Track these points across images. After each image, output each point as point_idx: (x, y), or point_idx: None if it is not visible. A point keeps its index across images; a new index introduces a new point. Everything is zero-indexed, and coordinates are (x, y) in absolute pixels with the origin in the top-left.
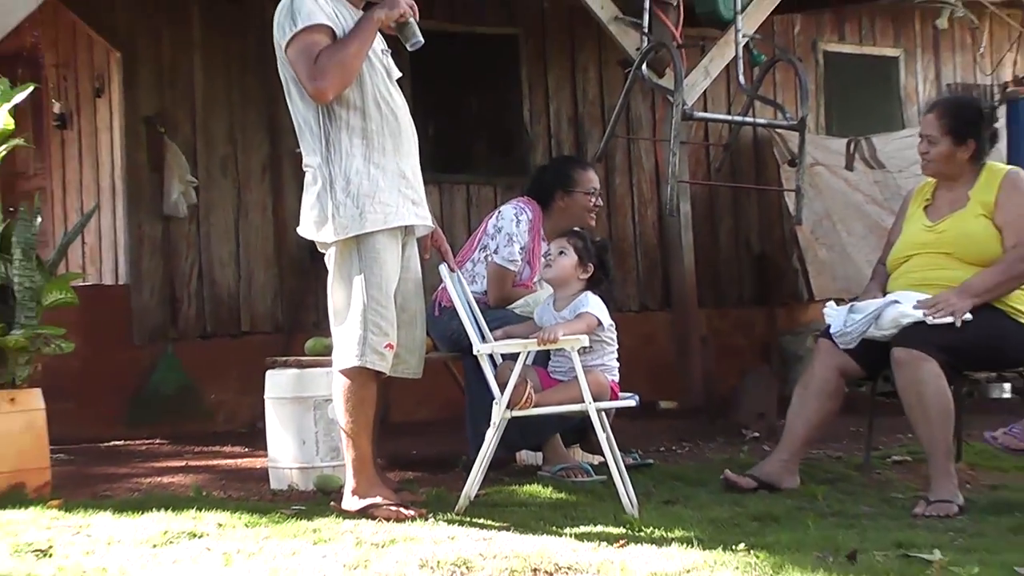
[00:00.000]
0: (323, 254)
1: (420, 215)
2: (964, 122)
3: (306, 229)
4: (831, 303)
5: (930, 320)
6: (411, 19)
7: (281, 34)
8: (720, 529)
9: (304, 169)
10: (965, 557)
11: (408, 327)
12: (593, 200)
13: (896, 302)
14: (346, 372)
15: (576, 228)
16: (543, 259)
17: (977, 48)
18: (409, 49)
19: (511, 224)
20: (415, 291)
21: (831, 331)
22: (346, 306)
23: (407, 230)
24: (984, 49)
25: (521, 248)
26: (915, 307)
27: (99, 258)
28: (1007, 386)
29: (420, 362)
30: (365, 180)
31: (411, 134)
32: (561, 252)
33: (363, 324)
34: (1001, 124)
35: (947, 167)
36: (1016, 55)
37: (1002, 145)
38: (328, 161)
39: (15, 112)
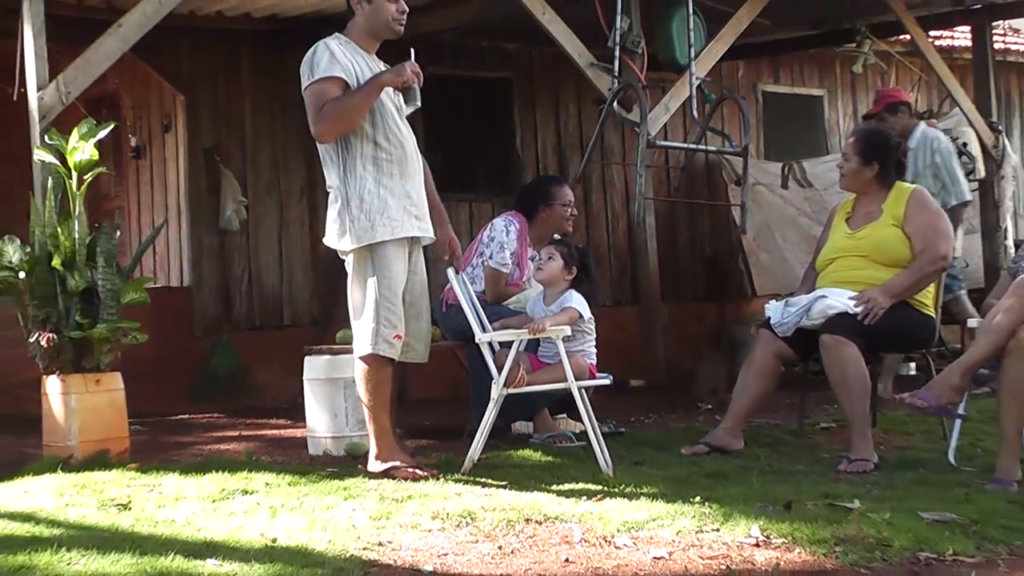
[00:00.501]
0: (344, 260)
1: (422, 228)
2: (871, 147)
3: (330, 239)
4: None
5: (856, 310)
6: (414, 84)
7: (303, 80)
8: (680, 485)
9: (328, 190)
10: (879, 505)
11: (416, 320)
12: (569, 210)
13: (823, 297)
14: (364, 358)
15: (557, 235)
16: (535, 263)
17: (886, 89)
18: (408, 109)
19: (502, 234)
20: (421, 290)
21: (770, 322)
22: (362, 303)
23: (413, 240)
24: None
25: (511, 254)
26: (851, 300)
27: (167, 265)
28: (912, 365)
29: (426, 349)
30: (376, 199)
31: (416, 161)
32: (550, 257)
33: (375, 318)
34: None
35: (855, 181)
36: (917, 94)
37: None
38: (345, 183)
39: (99, 145)
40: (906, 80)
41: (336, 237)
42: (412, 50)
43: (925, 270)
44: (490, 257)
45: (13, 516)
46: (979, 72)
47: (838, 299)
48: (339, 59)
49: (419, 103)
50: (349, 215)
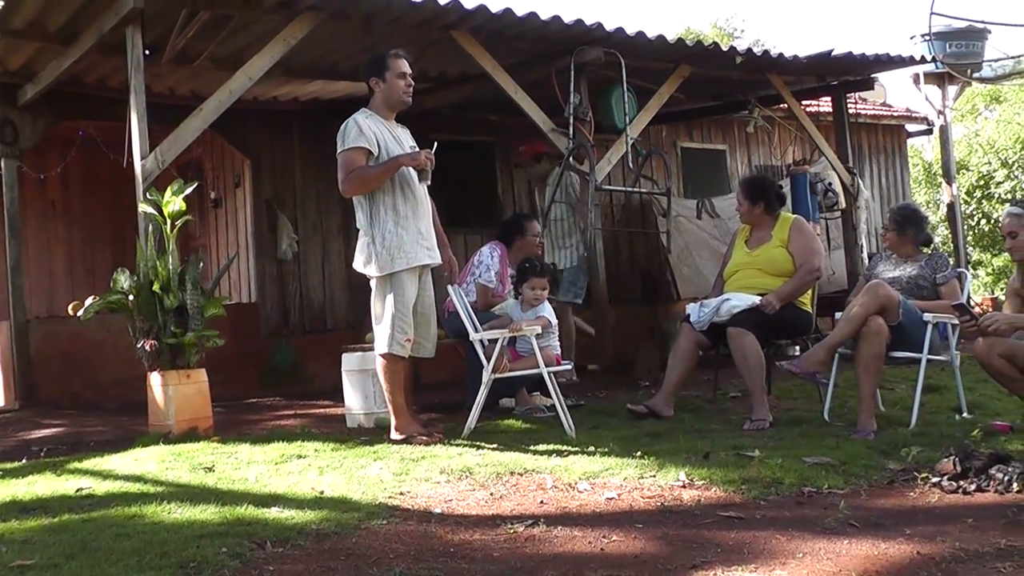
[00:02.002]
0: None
1: (431, 256)
2: (755, 191)
3: (357, 265)
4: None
5: (755, 306)
6: (426, 167)
7: (338, 146)
8: (626, 443)
9: (357, 227)
10: (774, 453)
11: (426, 326)
12: (537, 240)
13: (728, 299)
14: (382, 355)
15: (530, 257)
16: (532, 292)
17: (771, 144)
18: (421, 182)
19: (488, 258)
20: (430, 303)
21: (690, 318)
22: (382, 314)
23: (423, 265)
24: (776, 144)
25: (495, 273)
26: (759, 303)
27: (239, 286)
28: (797, 348)
29: (433, 347)
30: (394, 238)
31: (426, 206)
32: (544, 288)
33: (392, 326)
34: (787, 190)
35: (749, 217)
36: (793, 147)
37: (789, 203)
38: (371, 224)
39: (187, 199)
40: (786, 137)
41: (363, 264)
42: (435, 144)
43: (804, 279)
44: (479, 276)
45: (127, 477)
46: (838, 130)
47: (740, 301)
48: (364, 132)
49: (428, 181)
50: (374, 249)
